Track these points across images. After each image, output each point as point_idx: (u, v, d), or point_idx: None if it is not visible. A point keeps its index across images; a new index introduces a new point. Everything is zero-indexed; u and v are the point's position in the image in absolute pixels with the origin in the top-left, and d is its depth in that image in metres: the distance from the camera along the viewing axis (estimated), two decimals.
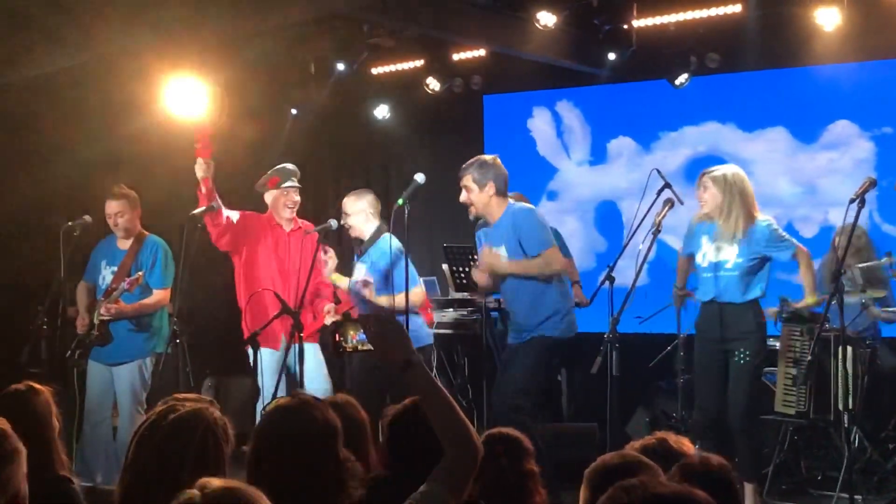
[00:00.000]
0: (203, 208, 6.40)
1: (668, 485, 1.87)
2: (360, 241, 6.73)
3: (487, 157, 6.26)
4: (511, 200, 6.23)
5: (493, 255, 6.11)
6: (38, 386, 3.55)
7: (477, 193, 6.11)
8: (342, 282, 6.68)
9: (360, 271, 6.61)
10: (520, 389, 5.97)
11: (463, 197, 6.18)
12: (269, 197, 6.76)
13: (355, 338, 2.91)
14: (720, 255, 6.02)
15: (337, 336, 2.60)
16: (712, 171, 6.08)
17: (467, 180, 6.13)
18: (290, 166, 6.81)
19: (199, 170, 6.26)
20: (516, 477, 3.46)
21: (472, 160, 6.22)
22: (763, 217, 6.04)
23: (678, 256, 6.51)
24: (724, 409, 6.00)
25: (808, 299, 6.06)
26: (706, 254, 6.10)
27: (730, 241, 5.98)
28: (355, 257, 6.79)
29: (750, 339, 5.99)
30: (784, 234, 6.08)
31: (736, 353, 5.97)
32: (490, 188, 6.09)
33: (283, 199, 6.69)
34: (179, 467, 2.45)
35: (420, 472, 2.69)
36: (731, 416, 5.96)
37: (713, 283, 6.04)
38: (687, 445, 3.23)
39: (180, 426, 2.51)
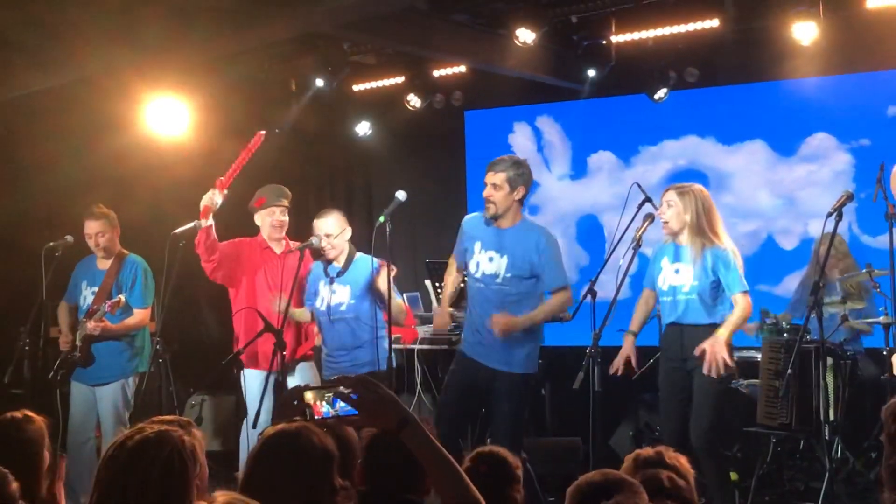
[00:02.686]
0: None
1: None
2: (328, 262, 6.42)
3: (520, 158, 5.95)
4: (526, 214, 5.98)
5: (507, 319, 5.78)
6: (33, 415, 3.54)
7: (505, 194, 5.78)
8: (303, 316, 6.52)
9: (345, 293, 6.38)
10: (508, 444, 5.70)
11: (488, 192, 5.84)
12: (258, 218, 6.62)
13: (320, 413, 2.68)
14: (678, 278, 5.90)
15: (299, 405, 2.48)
16: (678, 186, 5.99)
17: (499, 178, 5.78)
18: (278, 186, 6.68)
19: (208, 199, 6.22)
20: (498, 501, 3.40)
21: (506, 157, 5.90)
22: (728, 247, 5.85)
23: (643, 290, 6.28)
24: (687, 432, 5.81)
25: (722, 330, 5.74)
26: (666, 277, 5.98)
27: (689, 262, 5.85)
28: (325, 279, 6.43)
29: None
30: (740, 269, 5.82)
31: (698, 372, 5.79)
32: (519, 192, 5.81)
33: (269, 220, 6.57)
34: (143, 490, 2.43)
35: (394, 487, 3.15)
36: (693, 436, 5.75)
37: (672, 307, 5.94)
38: (683, 460, 3.19)
39: (145, 449, 2.48)
